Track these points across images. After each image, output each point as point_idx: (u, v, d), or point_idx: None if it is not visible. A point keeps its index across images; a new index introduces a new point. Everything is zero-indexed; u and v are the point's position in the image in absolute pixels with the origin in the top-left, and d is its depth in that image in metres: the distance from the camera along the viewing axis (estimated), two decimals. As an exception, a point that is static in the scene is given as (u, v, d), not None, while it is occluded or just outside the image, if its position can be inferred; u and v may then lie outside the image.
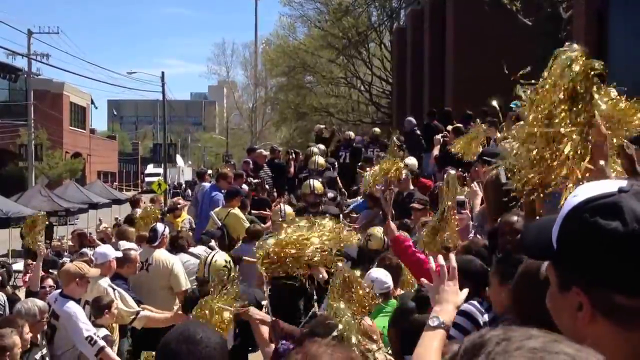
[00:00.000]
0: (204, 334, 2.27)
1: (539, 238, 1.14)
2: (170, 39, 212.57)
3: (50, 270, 9.51)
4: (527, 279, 2.06)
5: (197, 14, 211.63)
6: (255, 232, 7.58)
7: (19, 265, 17.72)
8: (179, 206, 10.67)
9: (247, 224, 8.37)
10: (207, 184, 10.94)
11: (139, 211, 10.64)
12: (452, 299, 2.21)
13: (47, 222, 8.78)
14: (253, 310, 4.01)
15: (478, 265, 3.53)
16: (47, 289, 6.99)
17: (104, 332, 5.01)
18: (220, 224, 8.35)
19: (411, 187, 9.13)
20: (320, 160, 11.42)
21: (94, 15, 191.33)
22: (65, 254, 10.23)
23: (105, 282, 5.84)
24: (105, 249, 6.28)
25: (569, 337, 1.09)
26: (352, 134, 14.81)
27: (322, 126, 17.96)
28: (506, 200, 3.43)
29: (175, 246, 6.96)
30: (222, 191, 9.82)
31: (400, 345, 3.30)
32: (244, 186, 11.18)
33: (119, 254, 6.13)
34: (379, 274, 4.83)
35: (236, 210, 8.65)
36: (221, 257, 5.05)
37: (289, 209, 8.22)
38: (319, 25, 33.14)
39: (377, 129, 14.89)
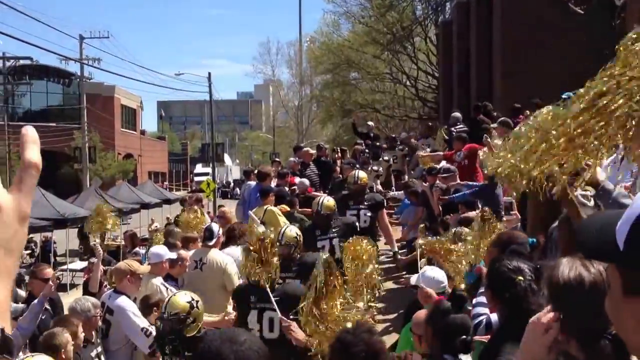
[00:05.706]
0: (248, 337, 2.29)
1: (600, 238, 1.04)
2: (216, 40, 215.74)
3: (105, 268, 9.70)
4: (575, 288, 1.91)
5: (241, 14, 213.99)
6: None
7: (76, 265, 18.35)
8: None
9: (283, 219, 8.12)
10: (253, 183, 11.00)
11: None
12: (534, 350, 1.88)
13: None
14: (293, 328, 4.23)
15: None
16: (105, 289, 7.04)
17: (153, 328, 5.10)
18: (260, 223, 8.33)
19: (458, 180, 9.01)
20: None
21: (141, 18, 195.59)
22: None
23: (157, 280, 5.99)
24: (159, 249, 6.37)
25: (633, 343, 1.05)
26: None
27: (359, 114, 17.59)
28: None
29: (230, 237, 6.99)
30: None
31: (436, 343, 3.34)
32: (303, 180, 11.13)
33: (173, 255, 6.24)
34: (436, 273, 4.77)
35: (272, 207, 8.62)
36: (293, 230, 5.40)
37: (328, 200, 7.80)
38: (363, 21, 32.97)
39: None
